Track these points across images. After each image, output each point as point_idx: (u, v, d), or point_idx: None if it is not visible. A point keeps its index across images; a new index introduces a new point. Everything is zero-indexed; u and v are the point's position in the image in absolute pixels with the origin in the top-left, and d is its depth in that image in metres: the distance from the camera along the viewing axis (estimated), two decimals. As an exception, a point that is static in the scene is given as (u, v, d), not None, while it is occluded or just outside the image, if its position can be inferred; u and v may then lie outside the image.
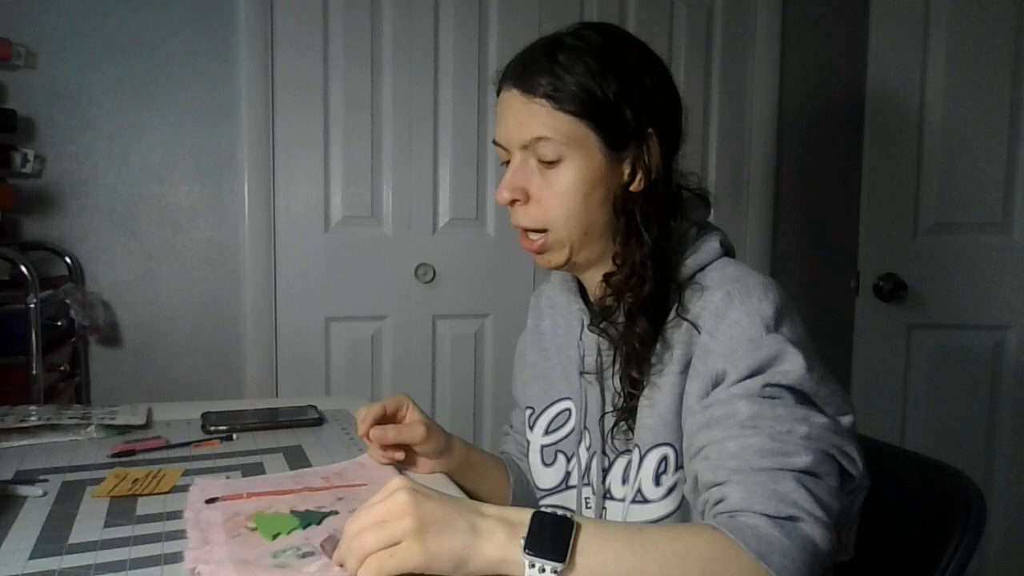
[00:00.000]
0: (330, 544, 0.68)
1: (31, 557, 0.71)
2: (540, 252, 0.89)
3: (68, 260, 1.87)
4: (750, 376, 0.74)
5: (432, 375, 2.20)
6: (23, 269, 1.54)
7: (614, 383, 0.89)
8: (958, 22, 1.89)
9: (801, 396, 0.74)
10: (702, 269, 0.84)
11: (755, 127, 2.41)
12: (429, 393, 2.19)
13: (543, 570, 0.60)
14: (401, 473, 0.95)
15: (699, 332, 0.80)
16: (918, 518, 0.91)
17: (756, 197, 2.43)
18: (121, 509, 0.82)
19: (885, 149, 1.96)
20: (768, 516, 0.66)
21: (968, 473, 0.90)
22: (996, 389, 1.97)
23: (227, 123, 2.00)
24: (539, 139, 0.83)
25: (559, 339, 1.00)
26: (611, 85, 0.82)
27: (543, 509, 0.67)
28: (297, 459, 1.01)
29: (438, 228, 2.17)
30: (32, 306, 1.53)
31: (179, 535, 0.76)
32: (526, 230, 0.88)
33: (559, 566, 0.60)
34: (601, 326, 0.89)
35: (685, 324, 0.81)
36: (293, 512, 0.81)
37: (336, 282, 2.10)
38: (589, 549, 0.62)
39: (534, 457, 1.00)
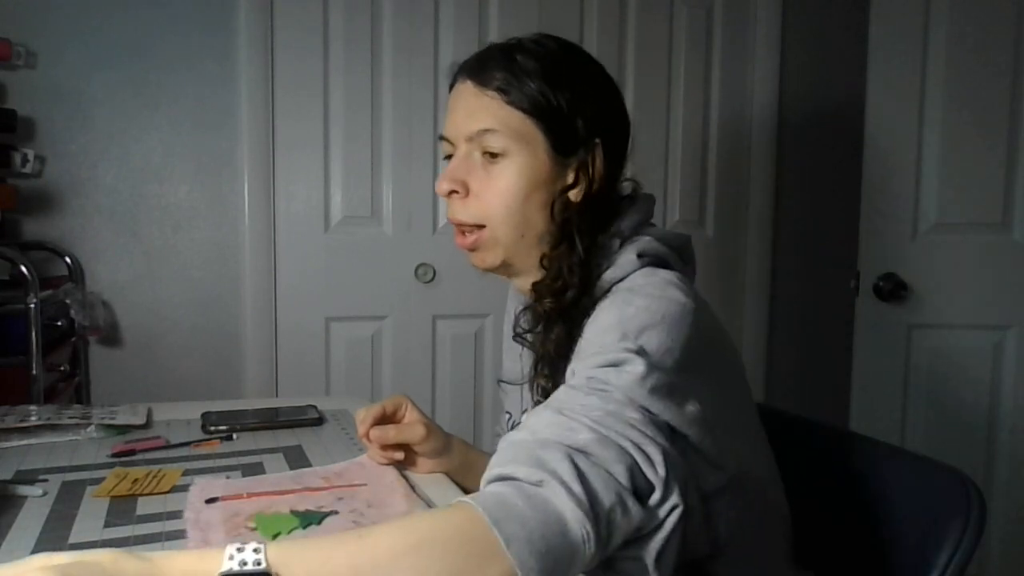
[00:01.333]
0: None
1: (31, 557, 0.71)
2: (473, 249, 0.87)
3: (68, 260, 1.87)
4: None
5: (432, 375, 2.20)
6: (23, 269, 1.54)
7: (533, 393, 0.86)
8: (958, 22, 1.89)
9: (624, 397, 0.67)
10: (621, 280, 0.81)
11: (755, 127, 2.41)
12: (429, 393, 2.18)
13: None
14: (401, 473, 0.95)
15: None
16: (918, 518, 0.91)
17: (756, 197, 2.43)
18: (121, 509, 0.82)
19: (885, 149, 1.96)
20: (518, 480, 0.61)
21: (968, 473, 0.90)
22: (996, 389, 1.97)
23: (227, 123, 1.99)
24: (486, 131, 0.83)
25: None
26: (565, 92, 0.82)
27: None
28: (297, 459, 1.01)
29: (438, 228, 2.17)
30: (32, 306, 1.53)
31: (179, 535, 0.76)
32: (461, 225, 0.87)
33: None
34: (522, 335, 0.88)
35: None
36: (293, 512, 0.81)
37: (336, 282, 2.10)
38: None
39: None
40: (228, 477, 0.93)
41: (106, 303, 1.91)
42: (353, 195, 2.10)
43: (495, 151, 0.83)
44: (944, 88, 1.91)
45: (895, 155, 1.95)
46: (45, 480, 0.91)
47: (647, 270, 0.81)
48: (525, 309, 0.88)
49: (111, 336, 1.94)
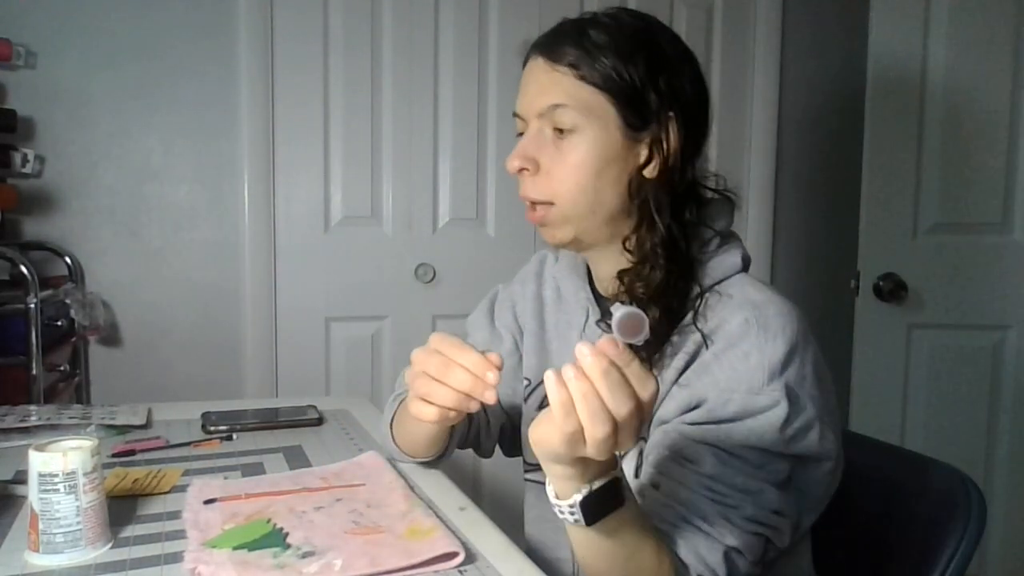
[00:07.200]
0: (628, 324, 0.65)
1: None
2: (543, 225, 0.86)
3: (68, 260, 1.87)
4: (731, 421, 0.75)
5: (432, 375, 2.19)
6: (23, 269, 1.54)
7: None
8: (958, 23, 1.89)
9: (765, 455, 0.75)
10: (721, 282, 0.83)
11: (755, 127, 2.41)
12: (429, 393, 2.18)
13: (573, 514, 0.65)
14: (400, 473, 0.95)
15: (707, 347, 0.79)
16: (918, 518, 0.91)
17: (756, 197, 2.43)
18: (121, 509, 0.82)
19: (885, 148, 1.96)
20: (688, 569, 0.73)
21: (968, 473, 0.90)
22: (996, 389, 1.97)
23: (227, 123, 1.99)
24: (557, 106, 0.81)
25: (560, 317, 0.97)
26: (638, 67, 0.81)
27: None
28: (297, 459, 1.01)
29: (438, 228, 2.17)
30: (32, 306, 1.53)
31: (179, 535, 0.76)
32: (533, 202, 0.85)
33: (580, 523, 0.65)
34: (608, 322, 0.88)
35: (697, 333, 0.80)
36: (273, 524, 0.78)
37: (336, 282, 2.10)
38: (611, 525, 0.66)
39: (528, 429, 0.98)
40: (226, 477, 0.93)
41: (106, 303, 1.91)
42: (353, 195, 2.10)
43: (565, 127, 0.81)
44: (944, 88, 1.91)
45: (895, 155, 1.95)
46: (45, 480, 0.90)
47: (750, 277, 0.86)
48: (615, 295, 0.86)
49: (111, 336, 1.94)
